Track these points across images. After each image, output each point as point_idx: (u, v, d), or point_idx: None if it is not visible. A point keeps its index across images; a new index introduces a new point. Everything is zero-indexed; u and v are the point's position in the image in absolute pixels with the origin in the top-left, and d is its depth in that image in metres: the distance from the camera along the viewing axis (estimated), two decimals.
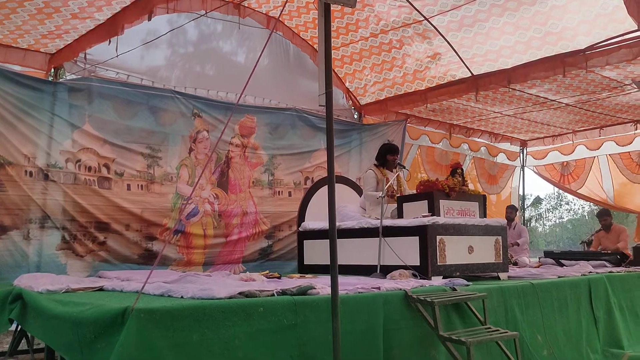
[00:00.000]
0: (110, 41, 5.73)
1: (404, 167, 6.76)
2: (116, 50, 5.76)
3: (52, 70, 6.12)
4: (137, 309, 2.81)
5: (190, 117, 6.75)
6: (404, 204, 5.91)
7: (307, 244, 6.67)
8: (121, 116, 6.24)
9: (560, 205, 33.60)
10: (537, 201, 33.01)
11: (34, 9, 5.24)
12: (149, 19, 5.56)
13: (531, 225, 31.33)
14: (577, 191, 11.60)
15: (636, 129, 9.88)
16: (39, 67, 6.07)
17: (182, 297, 3.44)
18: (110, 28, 5.62)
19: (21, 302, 4.07)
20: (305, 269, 6.51)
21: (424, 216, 5.38)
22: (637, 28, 6.01)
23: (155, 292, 3.68)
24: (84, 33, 5.78)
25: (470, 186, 6.51)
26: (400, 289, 4.24)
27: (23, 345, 5.01)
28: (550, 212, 34.70)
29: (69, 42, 5.92)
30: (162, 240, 6.40)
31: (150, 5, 5.49)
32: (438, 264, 5.22)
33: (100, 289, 4.20)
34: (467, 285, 4.85)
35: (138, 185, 6.33)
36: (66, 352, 3.33)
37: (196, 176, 6.71)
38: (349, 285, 4.19)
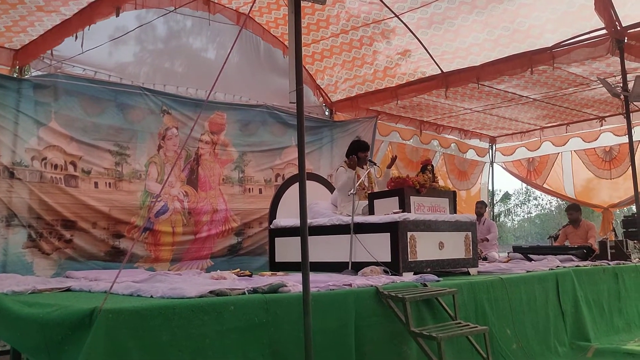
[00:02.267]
0: (76, 37, 5.64)
1: (375, 164, 6.77)
2: (81, 46, 5.67)
3: (17, 66, 5.98)
4: (105, 309, 2.76)
5: (159, 114, 6.66)
6: (375, 200, 5.92)
7: (279, 241, 6.64)
8: (88, 113, 6.12)
9: (529, 200, 34.05)
10: (506, 197, 33.41)
11: None
12: (117, 15, 5.48)
13: (500, 220, 31.70)
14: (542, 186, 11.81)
15: (601, 125, 10.08)
16: (3, 63, 5.93)
17: (151, 296, 3.39)
18: (77, 24, 5.52)
19: None
20: (276, 267, 6.48)
21: (394, 212, 5.41)
22: (602, 26, 6.13)
23: (124, 292, 3.63)
24: (50, 28, 5.66)
25: (441, 182, 6.56)
26: (372, 286, 4.25)
27: None
28: (519, 208, 35.13)
29: (35, 38, 5.80)
30: (129, 238, 6.31)
31: (118, 1, 5.41)
32: (409, 260, 5.25)
33: (68, 290, 4.13)
34: (438, 280, 4.90)
35: (106, 183, 6.22)
36: (33, 355, 3.26)
37: (165, 174, 6.63)
38: (320, 282, 4.18)
